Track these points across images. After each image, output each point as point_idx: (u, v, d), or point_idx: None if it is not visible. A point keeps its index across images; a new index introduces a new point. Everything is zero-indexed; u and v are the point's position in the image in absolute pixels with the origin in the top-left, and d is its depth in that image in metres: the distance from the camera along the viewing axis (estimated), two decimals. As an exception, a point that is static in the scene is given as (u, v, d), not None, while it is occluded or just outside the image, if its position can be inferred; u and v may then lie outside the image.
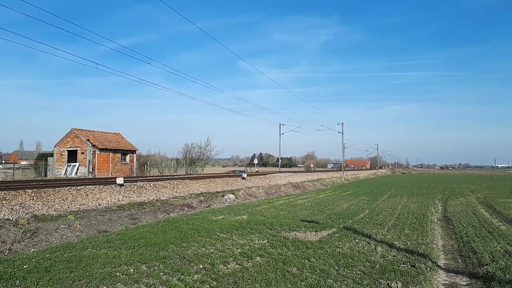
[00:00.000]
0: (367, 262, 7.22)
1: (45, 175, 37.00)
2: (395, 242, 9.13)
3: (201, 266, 6.83)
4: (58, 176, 35.48)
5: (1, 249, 8.21)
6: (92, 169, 35.64)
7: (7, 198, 11.96)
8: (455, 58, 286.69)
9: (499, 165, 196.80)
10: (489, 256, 7.91)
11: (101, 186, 16.42)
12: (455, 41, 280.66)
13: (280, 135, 57.02)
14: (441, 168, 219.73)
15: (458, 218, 13.72)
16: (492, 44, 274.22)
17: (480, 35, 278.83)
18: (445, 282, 6.42)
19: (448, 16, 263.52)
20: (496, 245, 9.00)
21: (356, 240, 9.25)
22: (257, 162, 74.13)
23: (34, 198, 12.75)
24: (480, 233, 10.65)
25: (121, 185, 17.09)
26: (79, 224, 11.07)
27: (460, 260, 7.87)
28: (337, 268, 6.84)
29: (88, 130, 38.61)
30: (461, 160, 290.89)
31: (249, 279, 6.08)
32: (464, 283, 6.37)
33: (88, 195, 14.76)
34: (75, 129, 37.21)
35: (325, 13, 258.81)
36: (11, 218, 10.81)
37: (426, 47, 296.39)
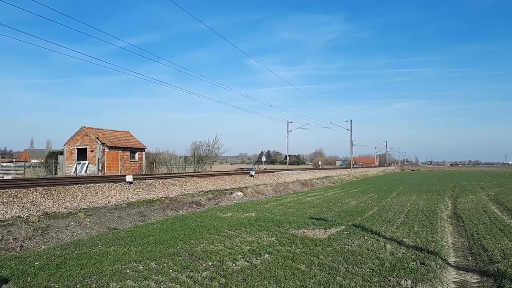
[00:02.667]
0: (376, 260, 7.18)
1: (55, 173, 37.46)
2: (405, 240, 9.07)
3: (210, 263, 6.86)
4: (68, 174, 35.91)
5: (13, 246, 8.34)
6: (102, 167, 35.98)
7: (18, 196, 12.14)
8: (462, 54, 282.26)
9: (510, 162, 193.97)
10: (500, 254, 7.82)
11: (110, 183, 16.57)
12: (462, 38, 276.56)
13: (288, 132, 56.94)
14: (451, 165, 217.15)
15: (468, 216, 13.58)
16: (500, 40, 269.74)
17: (487, 32, 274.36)
18: (456, 279, 6.36)
19: (455, 13, 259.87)
20: (507, 243, 8.89)
21: (365, 238, 9.21)
22: (265, 159, 74.19)
23: (45, 195, 12.92)
24: (491, 230, 10.53)
25: (130, 182, 17.23)
26: (89, 221, 11.19)
27: (470, 258, 7.80)
28: (346, 265, 6.82)
29: (98, 129, 38.94)
30: (471, 157, 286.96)
31: (258, 276, 6.09)
32: (475, 280, 6.31)
33: (97, 192, 14.90)
34: (84, 128, 37.56)
35: (330, 11, 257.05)
36: (22, 216, 10.97)
37: (433, 44, 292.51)
